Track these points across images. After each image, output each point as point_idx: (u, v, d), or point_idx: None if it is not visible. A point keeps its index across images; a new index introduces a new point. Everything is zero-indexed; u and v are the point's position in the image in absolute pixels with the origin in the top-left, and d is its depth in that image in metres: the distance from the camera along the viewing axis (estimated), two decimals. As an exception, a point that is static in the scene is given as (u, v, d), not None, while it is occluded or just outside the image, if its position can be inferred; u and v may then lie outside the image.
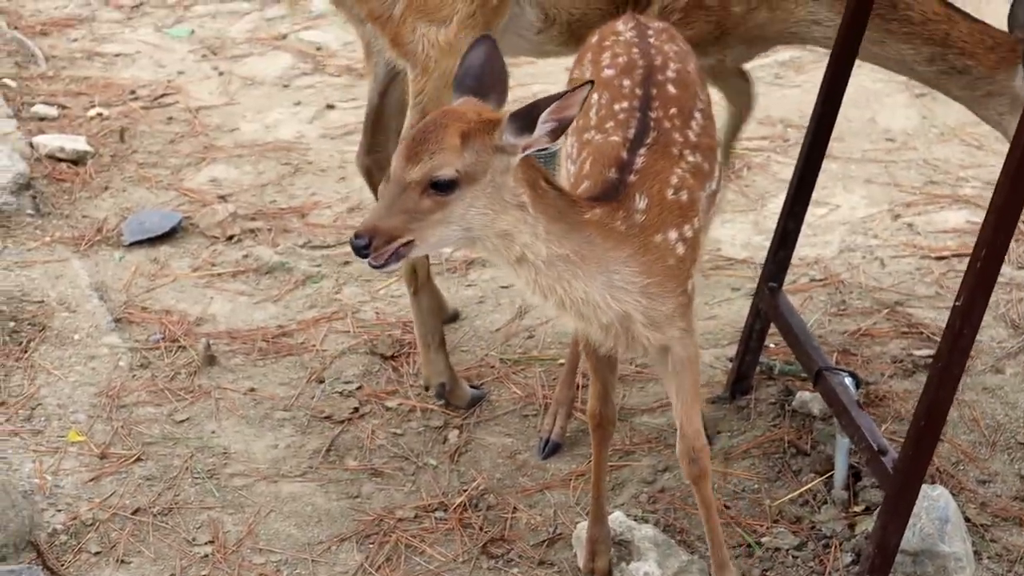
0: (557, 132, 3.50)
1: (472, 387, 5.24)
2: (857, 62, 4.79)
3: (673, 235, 3.81)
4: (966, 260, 5.98)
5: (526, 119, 3.49)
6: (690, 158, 3.96)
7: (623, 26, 4.33)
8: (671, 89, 4.07)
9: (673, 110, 4.01)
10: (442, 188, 3.47)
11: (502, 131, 3.50)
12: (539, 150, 3.54)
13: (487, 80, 3.64)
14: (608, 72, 4.13)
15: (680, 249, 3.82)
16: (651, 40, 4.23)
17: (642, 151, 3.88)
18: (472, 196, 3.50)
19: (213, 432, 5.02)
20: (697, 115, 4.09)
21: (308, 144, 7.14)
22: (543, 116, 3.47)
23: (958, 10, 5.00)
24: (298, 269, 6.00)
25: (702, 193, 3.97)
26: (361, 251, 3.46)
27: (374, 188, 5.38)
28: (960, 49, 4.90)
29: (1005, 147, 6.93)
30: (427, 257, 5.14)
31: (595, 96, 4.07)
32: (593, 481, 4.26)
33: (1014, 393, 5.21)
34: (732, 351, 5.42)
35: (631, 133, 3.92)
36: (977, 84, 4.96)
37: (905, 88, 7.46)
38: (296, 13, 8.76)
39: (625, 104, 4.01)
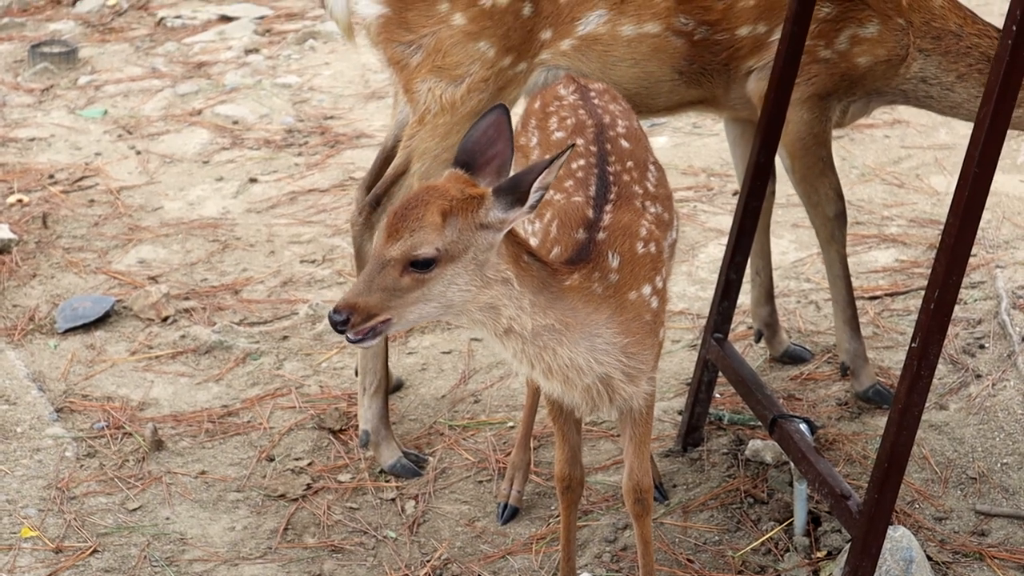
0: (537, 202, 3.51)
1: (415, 458, 5.21)
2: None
3: (647, 290, 3.84)
4: (899, 298, 6.11)
5: (513, 192, 3.49)
6: (652, 209, 4.00)
7: (564, 90, 4.35)
8: (624, 144, 4.10)
9: (630, 163, 4.05)
10: (421, 266, 3.47)
11: (488, 208, 3.50)
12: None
13: (485, 153, 3.63)
14: (559, 135, 4.15)
15: (654, 303, 3.85)
16: (595, 100, 4.26)
17: (607, 207, 3.90)
18: (452, 274, 3.51)
19: (168, 518, 4.96)
20: (651, 167, 4.13)
21: (234, 220, 7.11)
22: (536, 185, 3.46)
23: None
24: (237, 347, 5.96)
25: (665, 243, 4.00)
26: (339, 327, 3.48)
27: (360, 244, 5.15)
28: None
29: (925, 185, 7.08)
30: None
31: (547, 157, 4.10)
32: (562, 544, 4.26)
33: (960, 428, 5.26)
34: (678, 403, 5.45)
35: (592, 190, 3.94)
36: None
37: (822, 131, 7.54)
38: (209, 88, 8.73)
39: (582, 162, 4.04)
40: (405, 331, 6.03)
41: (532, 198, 3.48)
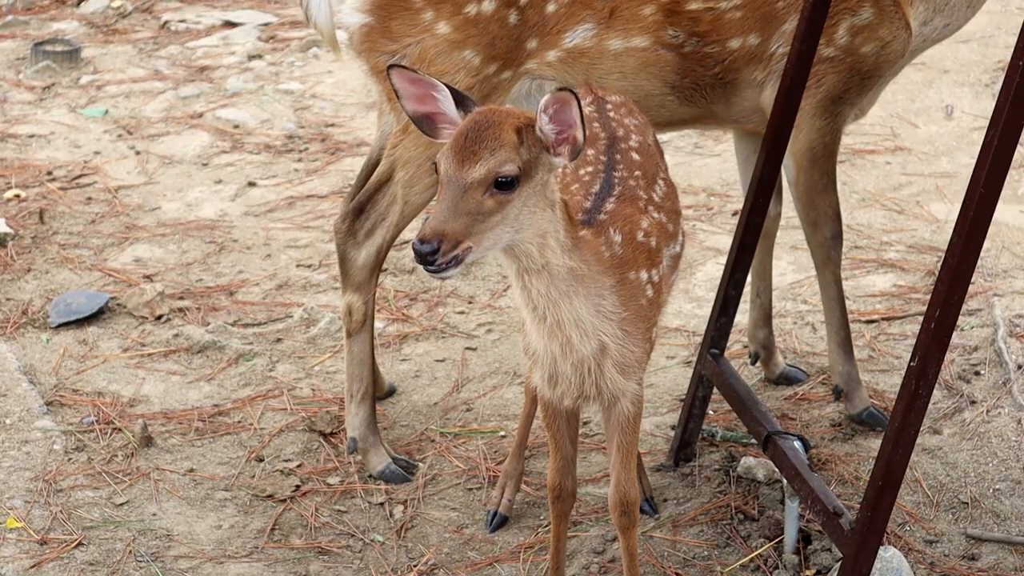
0: None
1: (405, 463, 5.18)
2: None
3: (644, 275, 3.85)
4: (896, 323, 6.09)
5: None
6: (655, 215, 3.99)
7: (581, 100, 4.34)
8: (635, 156, 4.11)
9: (638, 173, 4.06)
10: (505, 187, 3.46)
11: None
12: None
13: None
14: None
15: (649, 291, 3.86)
16: (611, 113, 4.26)
17: (610, 200, 3.93)
18: (527, 194, 3.52)
19: (154, 514, 4.93)
20: (660, 181, 4.13)
21: (232, 222, 7.09)
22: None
23: None
24: (230, 347, 5.93)
25: (667, 251, 3.99)
26: (427, 257, 3.40)
27: (344, 252, 5.13)
28: None
29: (925, 212, 7.07)
30: (367, 303, 5.07)
31: None
32: (552, 554, 4.24)
33: (953, 453, 5.24)
34: (671, 419, 5.43)
35: (595, 189, 3.97)
36: None
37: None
38: (211, 91, 8.71)
39: (590, 168, 4.05)
40: (399, 338, 6.01)
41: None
